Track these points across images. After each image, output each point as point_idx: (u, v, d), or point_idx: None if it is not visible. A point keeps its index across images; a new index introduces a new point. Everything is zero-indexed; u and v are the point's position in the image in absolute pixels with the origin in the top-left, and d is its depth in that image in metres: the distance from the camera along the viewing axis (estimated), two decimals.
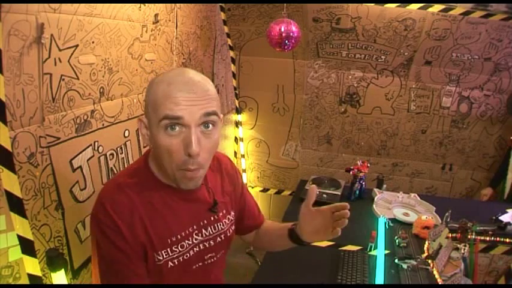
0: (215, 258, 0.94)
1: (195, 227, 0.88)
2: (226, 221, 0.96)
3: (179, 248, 0.85)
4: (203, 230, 0.89)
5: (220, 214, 0.94)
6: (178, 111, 0.72)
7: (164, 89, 0.73)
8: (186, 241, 0.86)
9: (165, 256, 0.82)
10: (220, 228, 0.93)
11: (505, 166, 2.40)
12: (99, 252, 0.81)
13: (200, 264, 0.91)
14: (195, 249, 0.88)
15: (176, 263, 0.84)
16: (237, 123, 2.93)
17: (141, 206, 0.80)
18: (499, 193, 2.40)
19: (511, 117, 2.44)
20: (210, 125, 0.76)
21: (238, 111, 2.88)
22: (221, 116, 0.81)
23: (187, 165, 0.75)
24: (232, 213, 1.00)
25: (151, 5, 1.48)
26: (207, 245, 0.91)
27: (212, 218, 0.91)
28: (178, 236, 0.84)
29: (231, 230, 0.98)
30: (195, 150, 0.72)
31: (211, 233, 0.91)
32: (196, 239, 0.88)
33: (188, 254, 0.87)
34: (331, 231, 0.92)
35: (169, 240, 0.83)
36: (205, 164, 0.79)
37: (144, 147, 1.53)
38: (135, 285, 0.78)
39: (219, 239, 0.93)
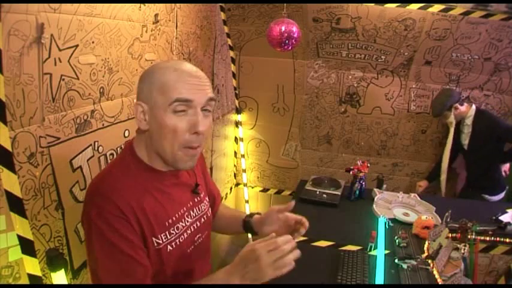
0: (202, 239, 0.99)
1: (184, 208, 0.93)
2: (206, 202, 1.03)
3: (175, 230, 0.88)
4: (191, 212, 0.95)
5: (201, 195, 1.00)
6: (189, 95, 0.79)
7: (172, 74, 0.79)
8: (180, 223, 0.90)
9: (164, 240, 0.85)
10: (203, 209, 1.00)
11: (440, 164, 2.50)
12: (100, 244, 0.77)
13: (192, 247, 0.94)
14: (187, 231, 0.92)
15: (174, 246, 0.87)
16: (237, 123, 2.93)
17: (139, 193, 0.82)
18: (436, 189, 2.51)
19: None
20: (209, 108, 0.85)
21: (238, 111, 2.88)
22: None
23: (191, 143, 0.82)
24: (207, 196, 1.06)
25: (151, 5, 1.48)
26: (195, 226, 0.96)
27: (196, 200, 0.98)
28: (174, 218, 0.88)
29: (210, 211, 1.05)
30: (202, 129, 0.80)
31: (197, 214, 0.97)
32: (187, 221, 0.93)
33: (183, 237, 0.90)
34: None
35: (166, 223, 0.86)
36: (203, 143, 0.87)
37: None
38: (135, 285, 0.78)
39: (203, 219, 0.99)
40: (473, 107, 2.30)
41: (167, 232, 0.86)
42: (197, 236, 0.97)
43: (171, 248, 0.86)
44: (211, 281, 0.82)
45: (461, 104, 2.28)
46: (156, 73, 0.81)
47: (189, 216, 0.94)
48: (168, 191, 0.89)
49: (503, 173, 2.38)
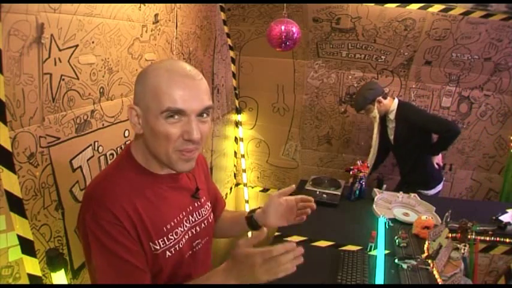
0: (200, 245, 0.97)
1: (184, 213, 0.90)
2: (207, 207, 1.00)
3: (174, 235, 0.86)
4: (190, 217, 0.92)
5: (202, 200, 0.98)
6: (180, 105, 0.75)
7: (165, 80, 0.75)
8: (179, 228, 0.88)
9: (162, 245, 0.83)
10: (203, 214, 0.97)
11: None
12: (97, 251, 0.76)
13: (190, 252, 0.93)
14: (186, 236, 0.90)
15: (173, 251, 0.85)
16: (237, 123, 2.93)
17: (135, 197, 0.80)
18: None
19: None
20: (205, 114, 0.81)
21: (238, 111, 2.88)
22: None
23: (186, 148, 0.78)
24: (209, 202, 1.04)
25: (151, 5, 1.48)
26: (194, 232, 0.94)
27: (196, 204, 0.95)
28: (172, 223, 0.86)
29: (211, 216, 1.02)
30: (197, 137, 0.77)
31: (196, 219, 0.95)
32: (186, 226, 0.91)
33: (182, 242, 0.88)
34: (294, 218, 1.06)
35: (164, 228, 0.84)
36: (200, 146, 0.83)
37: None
38: (135, 285, 0.78)
39: (203, 225, 0.97)
40: (396, 100, 2.25)
41: (165, 238, 0.84)
42: (196, 242, 0.94)
43: (169, 254, 0.84)
44: (208, 280, 0.81)
45: (385, 98, 2.24)
46: (149, 75, 0.77)
47: (188, 221, 0.91)
48: (166, 195, 0.86)
49: (436, 166, 2.30)
